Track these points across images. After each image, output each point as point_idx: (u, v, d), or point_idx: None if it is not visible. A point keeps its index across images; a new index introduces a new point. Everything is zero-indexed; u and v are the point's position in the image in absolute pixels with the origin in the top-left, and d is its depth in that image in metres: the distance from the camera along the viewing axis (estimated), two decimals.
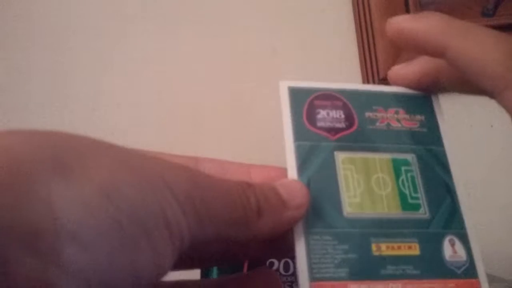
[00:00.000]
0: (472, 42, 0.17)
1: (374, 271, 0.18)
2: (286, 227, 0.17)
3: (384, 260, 0.18)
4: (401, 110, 0.22)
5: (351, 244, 0.18)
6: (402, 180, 0.20)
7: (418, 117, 0.22)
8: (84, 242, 0.11)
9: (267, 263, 0.34)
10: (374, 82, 0.63)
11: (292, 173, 0.19)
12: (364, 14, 0.65)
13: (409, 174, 0.20)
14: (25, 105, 0.67)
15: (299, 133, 0.20)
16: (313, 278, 0.17)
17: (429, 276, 0.18)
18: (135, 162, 0.14)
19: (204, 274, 0.32)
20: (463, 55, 0.17)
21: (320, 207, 0.19)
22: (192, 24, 0.69)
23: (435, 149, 0.21)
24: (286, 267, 0.35)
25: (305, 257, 0.17)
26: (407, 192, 0.20)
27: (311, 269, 0.17)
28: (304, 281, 0.17)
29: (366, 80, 0.65)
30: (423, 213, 0.19)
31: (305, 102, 0.21)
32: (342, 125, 0.21)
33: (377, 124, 0.21)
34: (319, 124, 0.21)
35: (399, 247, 0.18)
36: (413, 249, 0.18)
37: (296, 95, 0.21)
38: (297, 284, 0.34)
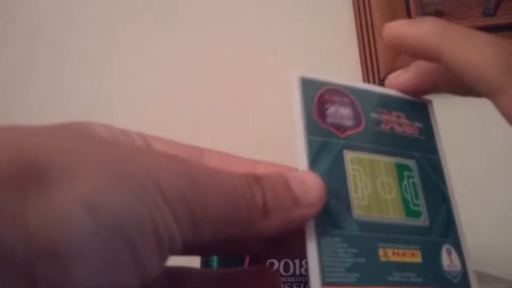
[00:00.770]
0: (467, 46, 0.17)
1: (382, 277, 0.17)
2: (296, 225, 0.16)
3: (391, 266, 0.18)
4: (402, 115, 0.21)
5: (360, 247, 0.17)
6: (405, 186, 0.20)
7: (417, 124, 0.22)
8: (60, 258, 0.11)
9: (267, 263, 0.34)
10: (374, 82, 0.63)
11: (303, 168, 0.18)
12: (365, 14, 0.65)
13: (410, 180, 0.20)
14: (26, 105, 0.67)
15: (310, 127, 0.19)
16: (324, 283, 0.16)
17: (430, 284, 0.18)
18: (122, 164, 0.13)
19: (204, 262, 0.32)
20: (458, 59, 0.17)
21: (330, 206, 0.17)
22: (192, 24, 0.69)
23: (432, 158, 0.21)
24: (286, 267, 0.35)
25: (317, 259, 0.16)
26: (409, 198, 0.19)
27: (322, 272, 0.16)
28: (316, 285, 0.16)
29: (366, 80, 0.65)
30: (424, 220, 0.19)
31: (315, 95, 0.20)
32: (350, 123, 0.20)
33: (382, 126, 0.21)
34: (329, 119, 0.19)
35: (404, 254, 0.18)
36: (416, 257, 0.18)
37: (307, 86, 0.20)
38: (297, 285, 0.34)
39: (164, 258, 0.13)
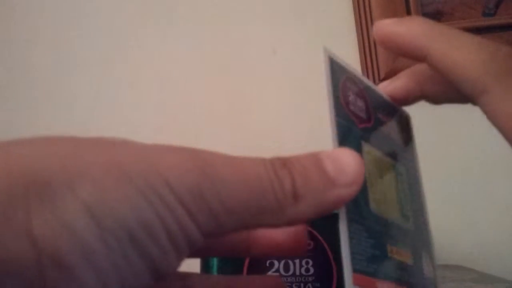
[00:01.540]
0: (453, 46, 0.17)
1: (390, 273, 0.17)
2: (332, 208, 0.15)
3: (395, 263, 0.18)
4: (395, 123, 0.22)
5: (376, 240, 0.17)
6: (400, 189, 0.20)
7: (405, 134, 0.22)
8: (68, 267, 0.11)
9: (267, 263, 0.34)
10: (374, 82, 0.63)
11: (335, 147, 0.17)
12: (365, 14, 0.65)
13: (404, 185, 0.20)
14: (26, 105, 0.67)
15: (338, 109, 0.18)
16: (353, 269, 0.16)
17: (418, 287, 0.18)
18: (126, 163, 0.12)
19: (204, 264, 0.32)
20: (444, 58, 0.17)
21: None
22: (192, 24, 0.69)
23: (415, 168, 0.22)
24: (286, 267, 0.35)
25: (348, 246, 0.15)
26: (403, 201, 0.20)
27: (352, 259, 0.16)
28: (348, 271, 0.15)
29: None
30: (412, 225, 0.20)
31: (340, 79, 0.20)
32: (364, 115, 0.20)
33: (383, 128, 0.21)
34: (351, 107, 0.19)
35: (402, 254, 0.18)
36: (409, 259, 0.18)
37: (334, 68, 0.19)
38: (297, 285, 0.34)
39: (181, 255, 0.13)
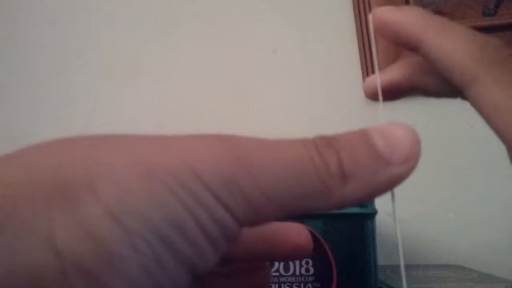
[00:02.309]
0: (446, 36, 0.17)
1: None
2: (387, 189, 0.13)
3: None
4: None
5: None
6: None
7: None
8: (95, 275, 0.10)
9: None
10: None
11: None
12: (365, 14, 0.65)
13: None
14: (26, 105, 0.67)
15: None
16: None
17: None
18: (149, 158, 0.11)
19: None
20: (436, 48, 0.17)
21: None
22: (192, 24, 0.69)
23: None
24: (286, 267, 0.35)
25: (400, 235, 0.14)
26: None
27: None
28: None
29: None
30: None
31: None
32: None
33: None
34: None
35: None
36: None
37: None
38: (297, 285, 0.34)
39: (219, 250, 0.12)
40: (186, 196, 0.11)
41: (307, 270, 0.34)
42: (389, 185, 0.13)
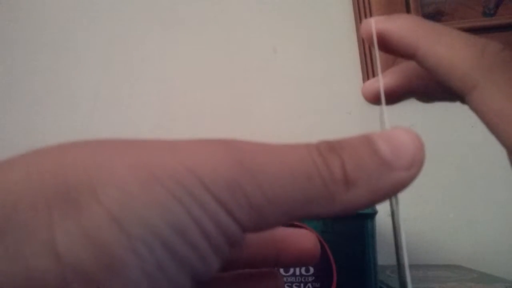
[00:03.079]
0: (443, 42, 0.17)
1: None
2: (391, 194, 0.13)
3: None
4: None
5: None
6: None
7: None
8: (96, 282, 0.10)
9: None
10: None
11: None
12: (365, 14, 0.65)
13: None
14: (26, 105, 0.67)
15: None
16: None
17: None
18: (152, 162, 0.11)
19: None
20: (434, 54, 0.17)
21: None
22: (192, 24, 0.69)
23: None
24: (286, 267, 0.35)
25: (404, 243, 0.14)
26: None
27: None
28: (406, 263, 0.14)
29: (366, 80, 0.65)
30: None
31: None
32: None
33: None
34: None
35: None
36: None
37: None
38: (297, 285, 0.34)
39: (222, 256, 0.12)
40: (188, 200, 0.11)
41: (307, 270, 0.34)
42: (393, 191, 0.13)
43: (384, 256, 0.39)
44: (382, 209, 0.36)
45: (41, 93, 0.67)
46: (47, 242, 0.10)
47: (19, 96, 0.67)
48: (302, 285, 0.34)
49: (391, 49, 0.19)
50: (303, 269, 0.34)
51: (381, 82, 0.18)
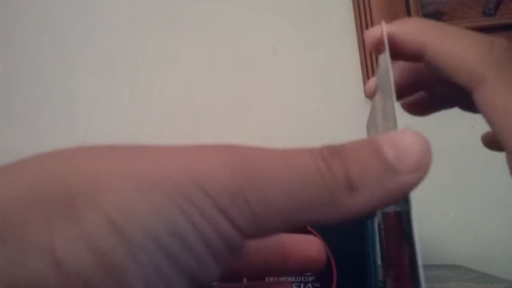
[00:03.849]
0: (450, 40, 0.17)
1: None
2: (397, 198, 0.13)
3: None
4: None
5: None
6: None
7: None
8: (94, 285, 0.10)
9: None
10: None
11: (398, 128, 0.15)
12: (365, 14, 0.65)
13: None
14: (26, 105, 0.67)
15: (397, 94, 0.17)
16: None
17: None
18: (152, 169, 0.11)
19: None
20: (442, 50, 0.17)
21: None
22: (192, 24, 0.69)
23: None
24: None
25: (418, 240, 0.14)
26: None
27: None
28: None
29: (366, 80, 0.65)
30: None
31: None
32: None
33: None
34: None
35: None
36: None
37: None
38: (297, 285, 0.34)
39: (222, 263, 0.12)
40: (189, 207, 0.11)
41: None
42: (399, 195, 0.13)
43: None
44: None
45: (40, 93, 0.67)
46: (47, 248, 0.10)
47: (19, 96, 0.67)
48: (302, 285, 0.34)
49: (399, 52, 0.19)
50: None
51: (392, 76, 0.18)
